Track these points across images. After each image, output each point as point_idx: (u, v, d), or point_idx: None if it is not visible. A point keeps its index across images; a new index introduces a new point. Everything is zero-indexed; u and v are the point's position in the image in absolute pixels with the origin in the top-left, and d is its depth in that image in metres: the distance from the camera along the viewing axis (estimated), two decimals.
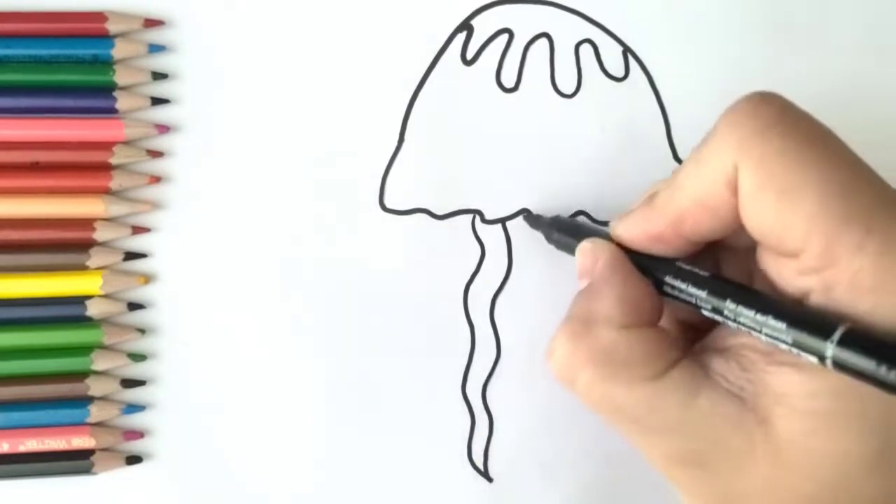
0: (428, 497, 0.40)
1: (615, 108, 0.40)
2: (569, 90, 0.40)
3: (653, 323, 0.33)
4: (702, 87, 0.41)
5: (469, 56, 0.40)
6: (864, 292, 0.27)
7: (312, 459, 0.39)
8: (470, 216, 0.40)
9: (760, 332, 0.29)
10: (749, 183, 0.29)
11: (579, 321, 0.32)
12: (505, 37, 0.40)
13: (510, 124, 0.40)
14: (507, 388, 0.40)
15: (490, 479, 0.40)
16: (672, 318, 0.35)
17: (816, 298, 0.28)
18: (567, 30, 0.40)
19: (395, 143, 0.40)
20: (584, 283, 0.34)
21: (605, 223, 0.40)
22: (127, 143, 0.38)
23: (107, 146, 0.38)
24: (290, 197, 0.39)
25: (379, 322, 0.40)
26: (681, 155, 0.41)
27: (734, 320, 0.30)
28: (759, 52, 0.41)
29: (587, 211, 0.40)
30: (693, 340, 0.33)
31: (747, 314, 0.29)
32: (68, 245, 0.38)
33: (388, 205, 0.40)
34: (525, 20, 0.40)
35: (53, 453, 0.38)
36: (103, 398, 0.38)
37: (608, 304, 0.32)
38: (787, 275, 0.29)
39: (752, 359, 0.30)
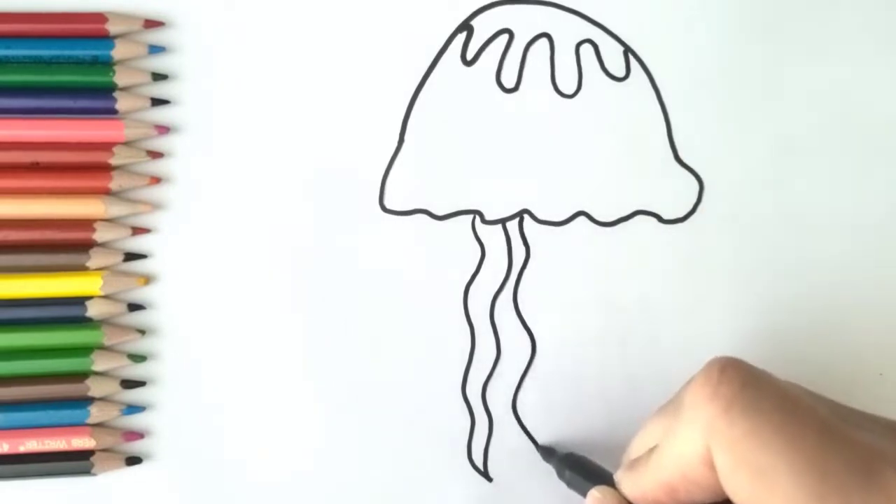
0: (428, 497, 0.40)
1: (615, 108, 0.40)
2: (569, 90, 0.40)
3: None
4: (702, 87, 0.41)
5: (469, 56, 0.40)
6: None
7: (312, 459, 0.39)
8: (470, 216, 0.40)
9: None
10: (723, 464, 0.29)
11: None
12: (505, 37, 0.40)
13: (510, 124, 0.40)
14: (507, 388, 0.40)
15: (490, 479, 0.40)
16: None
17: None
18: (567, 30, 0.40)
19: (395, 143, 0.40)
20: None
21: (607, 223, 0.40)
22: (127, 143, 0.38)
23: (107, 147, 0.38)
24: (290, 197, 0.39)
25: (379, 322, 0.40)
26: (681, 155, 0.41)
27: None
28: (759, 52, 0.41)
29: (587, 211, 0.40)
30: None
31: None
32: (68, 245, 0.38)
33: (388, 205, 0.40)
34: (525, 20, 0.40)
35: (53, 454, 0.38)
36: (103, 399, 0.38)
37: None
38: None
39: None
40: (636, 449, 0.34)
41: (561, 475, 0.38)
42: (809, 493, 0.28)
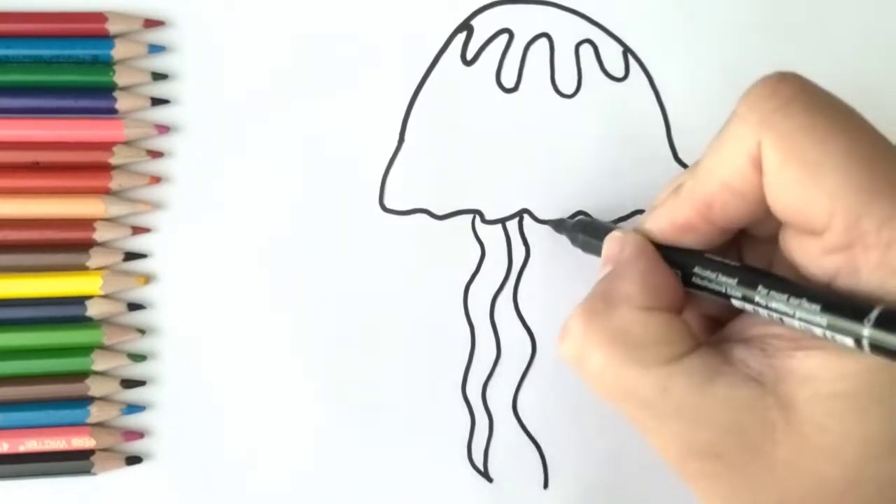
0: (428, 497, 0.40)
1: (615, 108, 0.40)
2: (569, 90, 0.40)
3: (674, 310, 0.32)
4: (702, 87, 0.41)
5: (469, 56, 0.40)
6: (894, 269, 0.26)
7: (312, 459, 0.39)
8: (470, 216, 0.40)
9: (794, 317, 0.28)
10: (773, 159, 0.28)
11: (599, 299, 0.31)
12: (505, 37, 0.40)
13: (510, 124, 0.40)
14: (507, 388, 0.40)
15: (490, 479, 0.40)
16: (696, 314, 0.34)
17: (844, 280, 0.28)
18: (567, 30, 0.40)
19: (395, 143, 0.40)
20: (607, 269, 0.33)
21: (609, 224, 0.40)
22: (127, 143, 0.38)
23: (107, 146, 0.38)
24: (290, 197, 0.39)
25: (379, 322, 0.40)
26: (681, 155, 0.41)
27: (766, 306, 0.29)
28: (759, 52, 0.41)
29: (587, 211, 0.40)
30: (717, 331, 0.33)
31: (780, 299, 0.28)
32: (68, 245, 0.38)
33: (388, 205, 0.40)
34: (525, 20, 0.40)
35: (53, 453, 0.38)
36: (103, 398, 0.38)
37: (629, 284, 0.31)
38: (814, 254, 0.28)
39: (776, 345, 0.29)
40: (658, 200, 0.34)
41: (574, 241, 0.38)
42: (858, 186, 0.27)
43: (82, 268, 0.38)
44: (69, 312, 0.38)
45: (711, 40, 0.41)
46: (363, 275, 0.39)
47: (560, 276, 0.40)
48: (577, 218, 0.39)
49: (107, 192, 0.38)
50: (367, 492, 0.39)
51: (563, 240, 0.40)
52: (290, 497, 0.39)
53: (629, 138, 0.40)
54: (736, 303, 0.30)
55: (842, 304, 0.27)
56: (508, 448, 0.40)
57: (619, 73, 0.40)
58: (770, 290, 0.29)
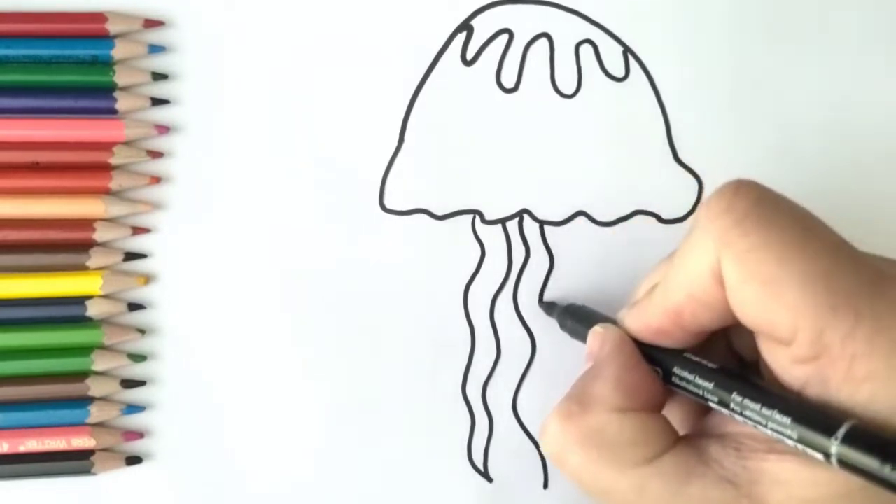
0: (428, 497, 0.40)
1: (615, 108, 0.40)
2: (569, 90, 0.40)
3: (652, 409, 0.32)
4: (702, 87, 0.41)
5: (469, 56, 0.40)
6: (860, 381, 0.27)
7: (313, 459, 0.39)
8: (470, 216, 0.40)
9: (766, 426, 0.29)
10: (732, 276, 0.29)
11: (574, 401, 0.32)
12: (505, 37, 0.40)
13: (510, 124, 0.40)
14: (507, 388, 0.40)
15: (490, 479, 0.40)
16: (680, 404, 0.34)
17: (814, 389, 0.28)
18: (567, 30, 0.40)
19: (395, 143, 0.40)
20: (588, 366, 0.34)
21: (606, 223, 0.40)
22: (127, 143, 0.38)
23: (107, 146, 0.38)
24: (290, 197, 0.39)
25: (379, 322, 0.40)
26: (681, 155, 0.41)
27: (740, 413, 0.30)
28: (759, 52, 0.41)
29: (587, 211, 0.40)
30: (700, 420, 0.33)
31: (753, 408, 0.29)
32: (68, 245, 0.38)
33: (388, 205, 0.40)
34: (525, 20, 0.40)
35: (53, 453, 0.38)
36: (103, 398, 0.38)
37: (606, 386, 0.32)
38: (784, 363, 0.29)
39: (751, 446, 0.30)
40: (640, 293, 0.34)
41: (563, 326, 0.38)
42: (818, 303, 0.27)
43: (82, 268, 0.38)
44: (69, 312, 0.38)
45: (711, 40, 0.41)
46: (363, 275, 0.39)
47: (560, 277, 0.40)
48: (567, 304, 0.39)
49: (107, 192, 0.38)
50: (368, 491, 0.40)
51: (564, 240, 0.40)
52: (290, 497, 0.39)
53: (629, 138, 0.40)
54: (713, 405, 0.31)
55: (812, 417, 0.27)
56: (508, 448, 0.40)
57: (620, 73, 0.40)
58: (744, 399, 0.29)
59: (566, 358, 0.40)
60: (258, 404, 0.39)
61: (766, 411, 0.28)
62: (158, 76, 0.38)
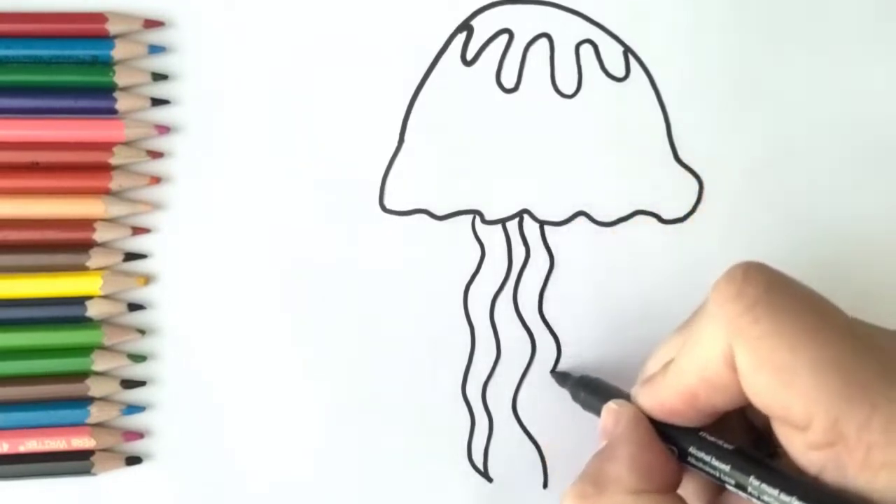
0: (428, 497, 0.40)
1: (615, 108, 0.40)
2: (569, 90, 0.40)
3: (667, 489, 0.32)
4: (702, 87, 0.41)
5: (469, 56, 0.40)
6: (877, 469, 0.27)
7: (313, 459, 0.39)
8: (470, 216, 0.40)
9: None
10: (745, 364, 0.29)
11: (589, 482, 0.32)
12: (505, 37, 0.40)
13: (510, 124, 0.40)
14: (507, 388, 0.40)
15: (490, 479, 0.40)
16: (696, 482, 0.34)
17: (832, 474, 0.28)
18: (567, 30, 0.40)
19: (395, 143, 0.40)
20: (602, 444, 0.34)
21: (606, 223, 0.40)
22: (127, 143, 0.38)
23: (107, 147, 0.38)
24: (290, 197, 0.39)
25: (379, 322, 0.40)
26: (681, 155, 0.40)
27: (758, 497, 0.29)
28: (759, 52, 0.41)
29: (587, 211, 0.40)
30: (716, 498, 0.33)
31: (771, 493, 0.29)
32: (68, 245, 0.38)
33: (388, 205, 0.40)
34: (525, 20, 0.40)
35: (53, 454, 0.38)
36: (103, 399, 0.38)
37: (621, 467, 0.32)
38: (799, 447, 0.29)
39: None
40: (652, 366, 0.34)
41: (576, 397, 0.38)
42: (831, 391, 0.27)
43: (82, 268, 0.38)
44: (69, 312, 0.38)
45: (711, 40, 0.41)
46: (363, 275, 0.39)
47: (560, 277, 0.40)
48: (580, 375, 0.39)
49: (107, 193, 0.38)
50: (368, 491, 0.40)
51: (564, 241, 0.40)
52: (289, 497, 0.39)
53: (629, 138, 0.40)
54: (729, 487, 0.31)
55: None
56: (508, 448, 0.40)
57: (620, 73, 0.40)
58: (762, 483, 0.29)
59: (566, 358, 0.40)
60: (258, 404, 0.39)
61: (784, 497, 0.28)
62: (158, 76, 0.38)
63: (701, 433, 0.32)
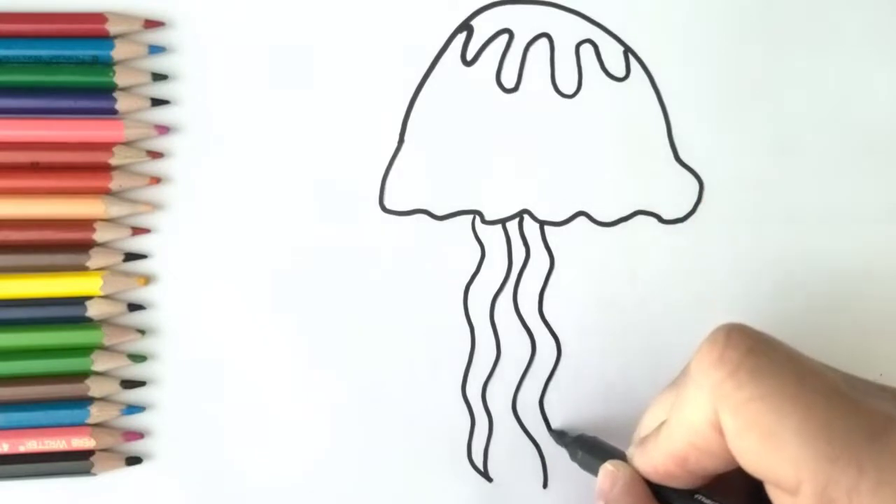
0: (428, 497, 0.40)
1: (616, 108, 0.40)
2: (569, 90, 0.40)
3: None
4: (702, 87, 0.41)
5: (469, 56, 0.40)
6: None
7: (313, 459, 0.39)
8: (470, 216, 0.40)
9: None
10: (731, 428, 0.29)
11: None
12: (505, 37, 0.40)
13: (510, 124, 0.40)
14: (507, 388, 0.40)
15: (490, 479, 0.40)
16: None
17: None
18: (567, 30, 0.40)
19: (395, 144, 0.40)
20: None
21: (606, 224, 0.40)
22: (127, 143, 0.38)
23: (107, 147, 0.38)
24: (290, 198, 0.39)
25: (379, 322, 0.40)
26: (681, 154, 0.41)
27: None
28: (759, 52, 0.41)
29: (587, 211, 0.40)
30: None
31: None
32: (68, 245, 0.38)
33: (388, 205, 0.40)
34: (525, 20, 0.40)
35: (53, 454, 0.38)
36: (103, 399, 0.38)
37: None
38: None
39: None
40: (646, 426, 0.34)
41: (573, 456, 0.38)
42: (818, 455, 0.27)
43: (82, 268, 0.38)
44: (69, 313, 0.38)
45: (711, 40, 0.41)
46: (363, 275, 0.39)
47: (560, 277, 0.40)
48: (577, 434, 0.39)
49: (107, 193, 0.38)
50: (368, 491, 0.40)
51: (564, 241, 0.40)
52: (289, 497, 0.39)
53: (629, 138, 0.40)
54: None
55: None
56: (508, 448, 0.40)
57: (620, 73, 0.40)
58: None
59: (566, 358, 0.40)
60: (258, 404, 0.39)
61: None
62: (158, 76, 0.38)
63: (697, 495, 0.32)
